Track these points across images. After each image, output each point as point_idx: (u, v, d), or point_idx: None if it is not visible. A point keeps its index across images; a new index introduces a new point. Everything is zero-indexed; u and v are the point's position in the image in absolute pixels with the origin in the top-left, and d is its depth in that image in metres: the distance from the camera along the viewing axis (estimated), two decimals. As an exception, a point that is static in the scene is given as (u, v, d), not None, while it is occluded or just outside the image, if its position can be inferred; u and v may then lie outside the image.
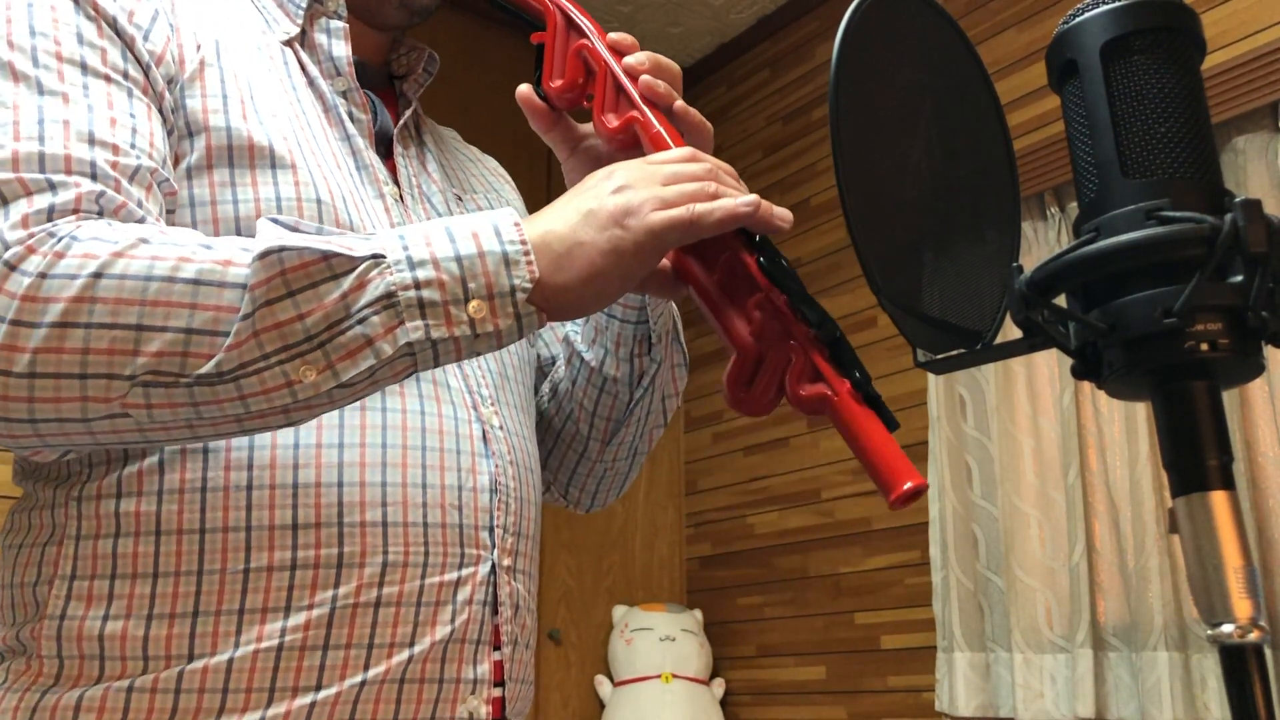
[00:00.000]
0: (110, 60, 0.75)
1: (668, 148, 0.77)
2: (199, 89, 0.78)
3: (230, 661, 0.71)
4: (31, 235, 0.64)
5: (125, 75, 0.75)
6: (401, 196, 0.89)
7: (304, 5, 0.89)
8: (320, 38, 0.89)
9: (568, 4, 0.86)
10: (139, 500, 0.73)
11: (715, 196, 0.69)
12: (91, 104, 0.72)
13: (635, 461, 1.03)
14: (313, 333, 0.63)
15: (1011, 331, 0.55)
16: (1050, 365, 2.54)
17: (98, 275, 0.63)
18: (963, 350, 0.64)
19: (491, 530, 0.82)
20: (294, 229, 0.67)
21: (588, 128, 0.88)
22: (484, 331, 0.66)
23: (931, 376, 2.72)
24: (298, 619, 0.73)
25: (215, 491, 0.73)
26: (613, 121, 0.80)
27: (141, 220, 0.70)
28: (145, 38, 0.77)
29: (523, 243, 0.67)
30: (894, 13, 0.67)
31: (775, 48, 3.52)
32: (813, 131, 3.33)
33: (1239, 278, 0.52)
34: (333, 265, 0.64)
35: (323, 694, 0.73)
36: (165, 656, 0.71)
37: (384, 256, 0.65)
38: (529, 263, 0.66)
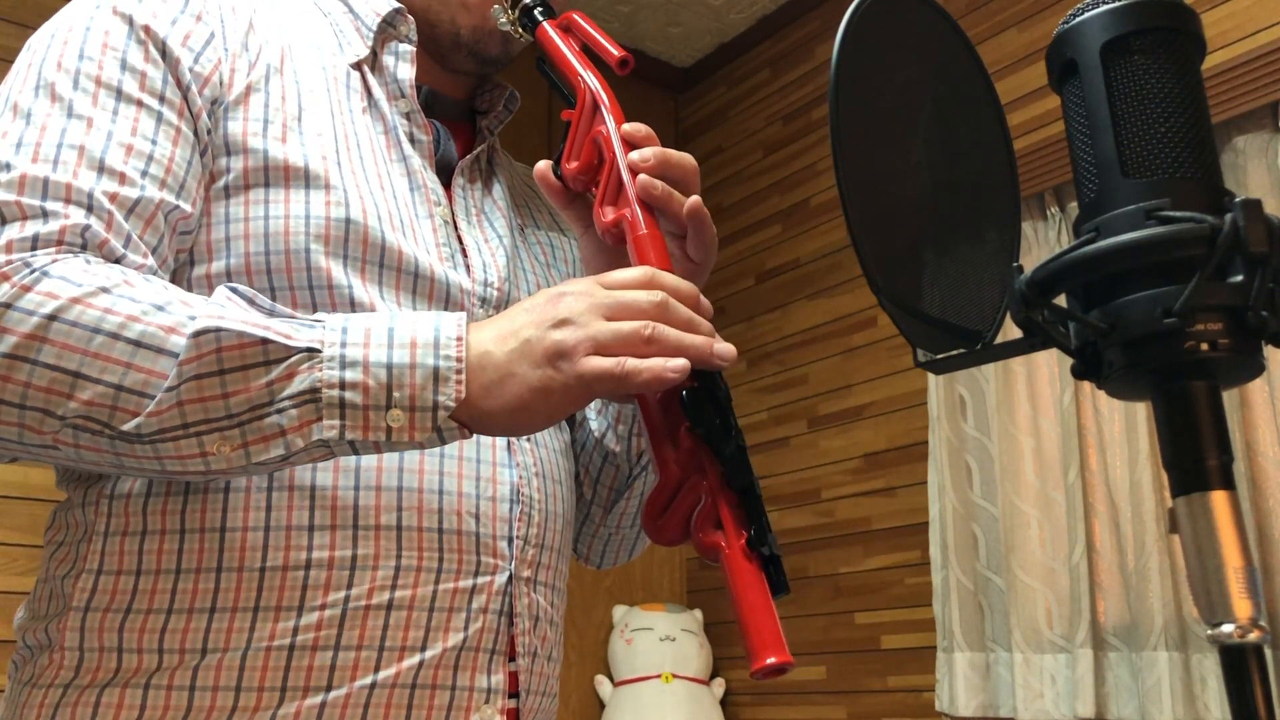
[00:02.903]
0: (148, 84, 0.78)
1: (641, 258, 0.77)
2: (242, 113, 0.80)
3: (243, 658, 0.73)
4: (10, 262, 0.67)
5: (161, 99, 0.78)
6: (456, 220, 0.90)
7: (375, 29, 0.90)
8: (388, 60, 0.90)
9: (598, 87, 0.86)
10: (166, 500, 0.75)
11: (651, 342, 0.69)
12: (113, 130, 0.75)
13: (641, 534, 1.02)
14: (234, 412, 0.66)
15: (1011, 331, 0.55)
16: (1050, 365, 2.54)
17: (52, 317, 0.66)
18: (963, 350, 0.64)
19: (511, 541, 0.82)
20: (251, 302, 0.70)
21: None
22: (400, 440, 0.68)
23: (931, 376, 2.72)
24: (310, 618, 0.74)
25: (237, 492, 0.75)
26: (608, 215, 0.80)
27: (122, 258, 0.72)
28: (195, 60, 0.80)
29: (458, 360, 0.68)
30: (894, 13, 0.67)
31: (775, 48, 3.52)
32: (813, 131, 3.33)
33: (1239, 278, 0.52)
34: (268, 351, 0.67)
35: (333, 694, 0.74)
36: (180, 651, 0.73)
37: (319, 350, 0.67)
38: (459, 382, 0.68)
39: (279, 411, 0.66)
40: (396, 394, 0.67)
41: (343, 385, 0.67)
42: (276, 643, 0.73)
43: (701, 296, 0.75)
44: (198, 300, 0.70)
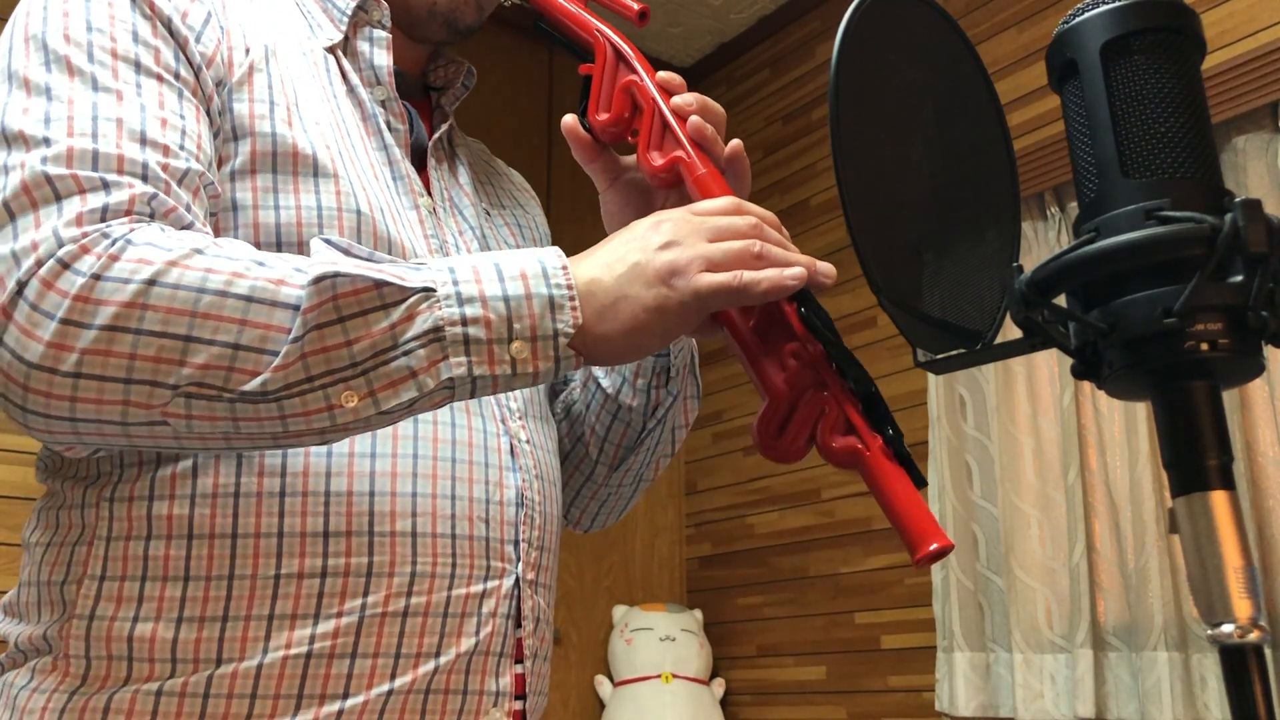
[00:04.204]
0: (163, 60, 0.75)
1: (712, 193, 0.77)
2: (247, 93, 0.79)
3: (259, 667, 0.72)
4: (85, 235, 0.64)
5: (177, 76, 0.76)
6: (435, 209, 0.90)
7: (349, 12, 0.89)
8: (363, 45, 0.89)
9: (618, 39, 0.86)
10: (171, 503, 0.74)
11: (761, 257, 0.69)
12: (144, 103, 0.73)
13: (639, 488, 1.04)
14: (359, 360, 0.64)
15: (1011, 331, 0.55)
16: (1050, 365, 2.54)
17: (151, 282, 0.63)
18: (963, 350, 0.64)
19: (517, 544, 0.83)
20: (347, 251, 0.68)
21: (629, 160, 0.88)
22: (524, 372, 0.67)
23: (931, 376, 2.72)
24: (327, 626, 0.73)
25: (248, 497, 0.74)
26: (658, 160, 0.81)
27: (190, 225, 0.70)
28: (197, 39, 0.78)
29: (569, 287, 0.68)
30: (894, 13, 0.67)
31: (775, 48, 3.52)
32: (813, 131, 3.33)
33: (1239, 278, 0.52)
34: (384, 295, 0.65)
35: (350, 702, 0.73)
36: (194, 660, 0.72)
37: (434, 290, 0.66)
38: (574, 308, 0.67)
39: (406, 354, 0.65)
40: (517, 325, 0.66)
41: (464, 321, 0.65)
42: (293, 651, 0.72)
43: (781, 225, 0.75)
44: (292, 255, 0.68)
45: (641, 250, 0.70)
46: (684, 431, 1.00)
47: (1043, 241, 2.60)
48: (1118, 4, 0.57)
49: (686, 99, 0.81)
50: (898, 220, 0.65)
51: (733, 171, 0.81)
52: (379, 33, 0.90)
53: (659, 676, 3.02)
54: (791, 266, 0.69)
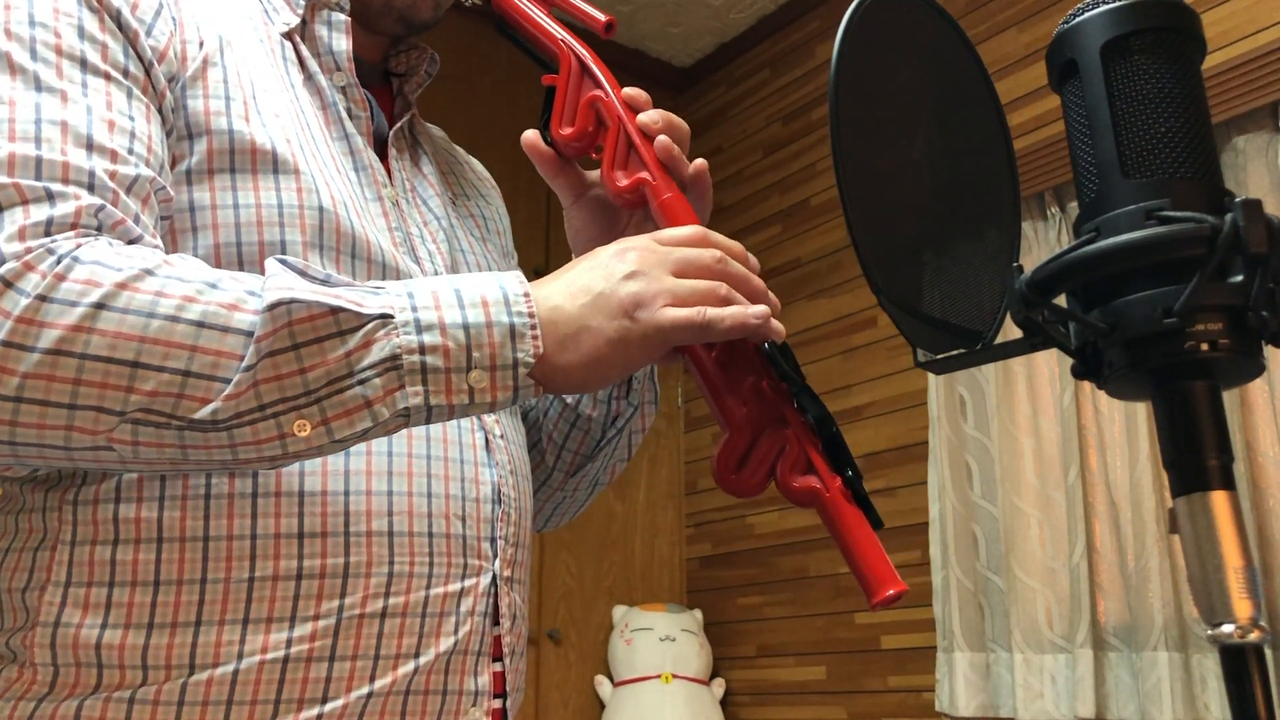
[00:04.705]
0: (111, 56, 0.72)
1: (678, 219, 0.77)
2: (201, 89, 0.76)
3: (235, 673, 0.70)
4: (29, 250, 0.62)
5: (125, 73, 0.73)
6: (399, 200, 0.88)
7: None
8: (321, 30, 0.87)
9: (584, 51, 0.85)
10: (139, 506, 0.71)
11: (727, 301, 0.69)
12: (90, 104, 0.70)
13: (594, 492, 1.03)
14: (313, 388, 0.63)
15: (1012, 331, 0.55)
16: (1050, 365, 2.54)
17: (100, 305, 0.61)
18: (963, 350, 0.64)
19: (494, 541, 0.82)
20: (303, 273, 0.66)
21: (594, 175, 0.87)
22: (481, 401, 0.66)
23: (931, 376, 2.72)
24: (304, 629, 0.72)
25: (219, 499, 0.72)
26: (622, 180, 0.80)
27: (139, 238, 0.68)
28: (148, 33, 0.75)
29: (530, 315, 0.67)
30: (894, 13, 0.67)
31: (775, 48, 3.52)
32: (813, 131, 3.33)
33: (1239, 278, 0.52)
34: (340, 321, 0.63)
35: (329, 706, 0.72)
36: (166, 667, 0.70)
37: (392, 316, 0.64)
38: (535, 337, 0.66)
39: (361, 383, 0.63)
40: (476, 354, 0.65)
41: (423, 350, 0.64)
42: (270, 656, 0.70)
43: (749, 254, 0.75)
44: (246, 275, 0.66)
45: (606, 279, 0.69)
46: (640, 437, 1.00)
47: (1043, 241, 2.60)
48: (1118, 4, 0.57)
49: (653, 116, 0.80)
50: (898, 220, 0.65)
51: (695, 191, 0.81)
52: (337, 16, 0.87)
53: (659, 677, 3.02)
54: (757, 305, 0.69)
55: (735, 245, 0.74)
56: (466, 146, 1.10)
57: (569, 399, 0.96)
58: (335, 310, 0.63)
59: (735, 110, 3.63)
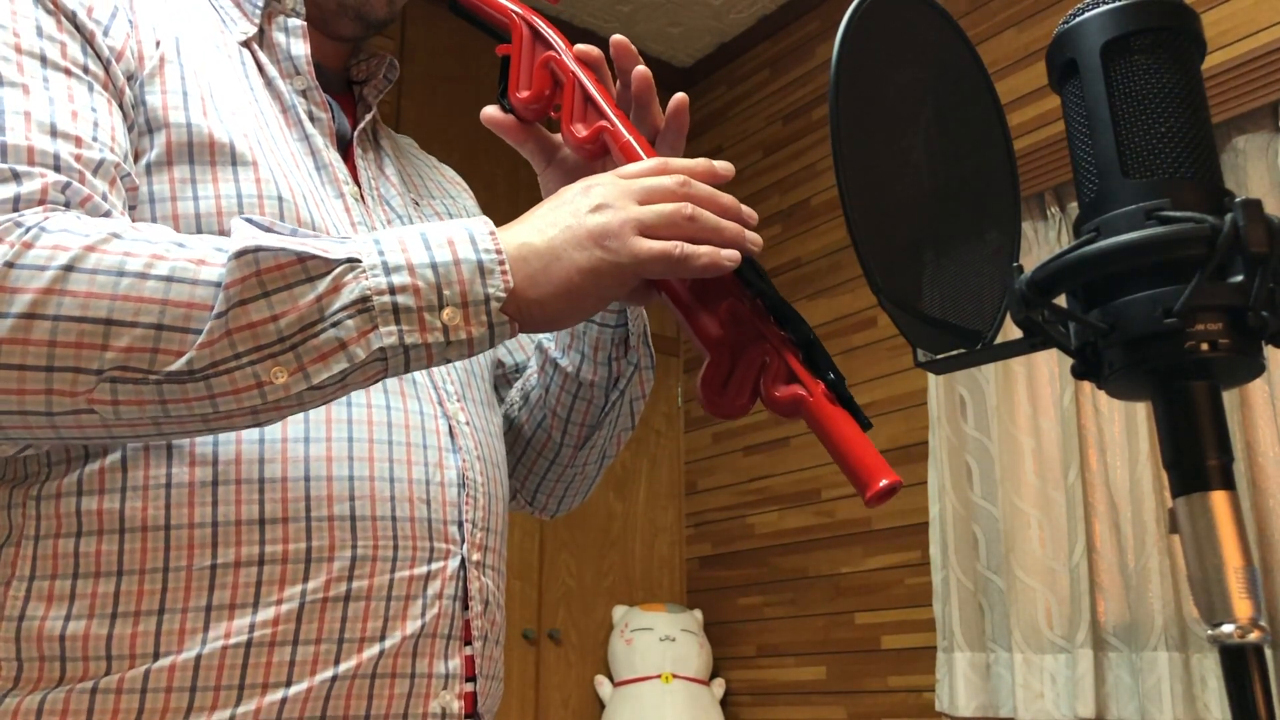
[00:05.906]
0: (70, 54, 0.74)
1: (637, 157, 0.77)
2: (159, 85, 0.78)
3: (198, 659, 0.71)
4: None
5: (85, 70, 0.74)
6: (362, 196, 0.89)
7: (261, 4, 0.89)
8: (278, 36, 0.89)
9: (534, 17, 0.87)
10: (101, 498, 0.72)
11: (693, 219, 0.70)
12: (53, 96, 0.71)
13: (602, 465, 1.04)
14: (286, 334, 0.63)
15: (1012, 331, 0.55)
16: (1050, 365, 2.54)
17: (68, 268, 0.62)
18: (963, 350, 0.64)
19: (460, 525, 0.82)
20: (269, 229, 0.67)
21: (560, 137, 0.88)
22: (456, 339, 0.66)
23: (931, 376, 2.72)
24: (266, 614, 0.72)
25: (180, 488, 0.73)
26: (581, 131, 0.81)
27: (108, 214, 0.69)
28: (105, 33, 0.77)
29: (498, 252, 0.67)
30: (894, 12, 0.67)
31: (775, 48, 3.52)
32: (813, 131, 3.33)
33: (1239, 278, 0.52)
34: (308, 268, 0.64)
35: (294, 690, 0.72)
36: (130, 656, 0.70)
37: (359, 260, 0.65)
38: (504, 272, 0.67)
39: (334, 325, 0.64)
40: (446, 292, 0.66)
41: (392, 290, 0.65)
42: (233, 641, 0.71)
43: (716, 163, 0.75)
44: (212, 236, 0.67)
45: (573, 214, 0.69)
46: (641, 404, 1.01)
47: (1043, 241, 2.60)
48: (1118, 4, 0.57)
49: (590, 48, 0.83)
50: (898, 220, 0.65)
51: (674, 126, 0.82)
52: (294, 21, 0.89)
53: (659, 677, 3.02)
54: (731, 249, 0.70)
55: (698, 163, 0.75)
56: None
57: (569, 368, 0.97)
58: (303, 257, 0.64)
59: (735, 110, 3.63)
